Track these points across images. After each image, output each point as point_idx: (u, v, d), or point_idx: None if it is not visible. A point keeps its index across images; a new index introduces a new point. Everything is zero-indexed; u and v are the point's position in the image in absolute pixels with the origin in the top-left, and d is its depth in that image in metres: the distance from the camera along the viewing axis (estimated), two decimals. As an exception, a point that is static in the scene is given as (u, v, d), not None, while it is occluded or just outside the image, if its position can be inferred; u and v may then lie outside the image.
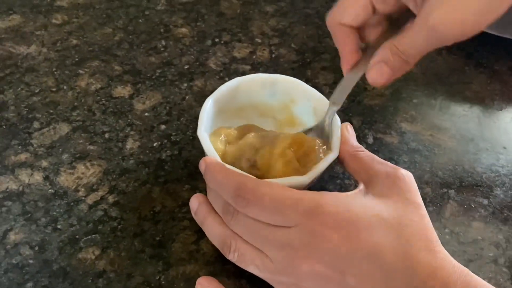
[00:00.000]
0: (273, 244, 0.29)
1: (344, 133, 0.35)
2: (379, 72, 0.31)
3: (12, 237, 0.34)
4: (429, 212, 0.37)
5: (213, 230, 0.32)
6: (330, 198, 0.29)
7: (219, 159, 0.33)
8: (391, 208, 0.29)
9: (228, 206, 0.31)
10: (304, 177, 0.33)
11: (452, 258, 0.28)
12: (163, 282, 0.33)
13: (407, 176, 0.31)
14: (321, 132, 0.35)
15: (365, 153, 0.33)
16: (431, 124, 0.43)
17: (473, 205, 0.38)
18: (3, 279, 0.32)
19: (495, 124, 0.44)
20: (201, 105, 0.43)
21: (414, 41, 0.29)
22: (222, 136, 0.35)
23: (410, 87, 0.46)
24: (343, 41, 0.34)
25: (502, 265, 0.35)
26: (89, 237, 0.34)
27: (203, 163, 0.32)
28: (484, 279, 0.34)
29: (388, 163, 0.32)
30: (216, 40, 0.49)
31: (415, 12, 0.30)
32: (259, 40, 0.49)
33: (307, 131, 0.36)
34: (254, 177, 0.31)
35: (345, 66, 0.34)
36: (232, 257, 0.31)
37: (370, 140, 0.42)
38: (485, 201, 0.39)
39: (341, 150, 0.34)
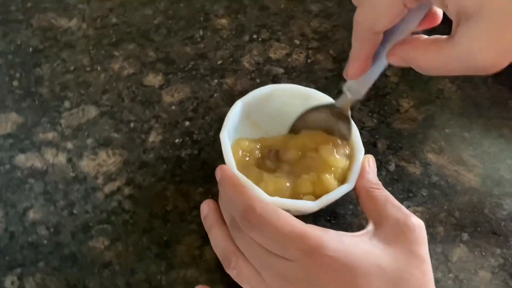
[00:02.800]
0: (270, 271, 0.30)
1: (364, 166, 0.34)
2: (397, 62, 0.29)
3: (31, 215, 0.36)
4: (437, 254, 0.37)
5: (218, 241, 0.33)
6: (334, 240, 0.29)
7: (235, 169, 0.33)
8: (394, 259, 0.29)
9: (236, 221, 0.31)
10: (312, 203, 0.33)
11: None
12: (163, 283, 0.34)
13: (418, 226, 0.30)
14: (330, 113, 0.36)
15: (381, 192, 0.33)
16: (458, 159, 0.42)
17: (483, 253, 0.37)
18: (18, 255, 0.34)
19: (527, 168, 0.42)
20: (228, 105, 0.43)
21: (439, 65, 0.27)
22: (241, 150, 0.36)
23: (445, 114, 0.45)
24: (365, 46, 0.30)
25: (500, 321, 0.35)
26: (101, 226, 0.36)
27: (219, 172, 0.33)
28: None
29: (402, 207, 0.32)
30: (254, 36, 0.48)
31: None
32: (297, 42, 0.48)
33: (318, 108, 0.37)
34: (264, 201, 0.31)
35: (356, 72, 0.31)
36: (230, 272, 0.32)
37: (392, 167, 0.41)
38: (498, 251, 0.38)
39: (357, 184, 0.34)
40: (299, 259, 0.29)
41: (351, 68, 0.31)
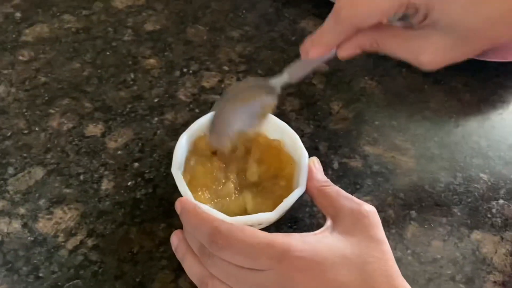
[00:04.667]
0: (247, 285, 0.31)
1: (311, 168, 0.37)
2: (351, 53, 0.36)
3: (-5, 288, 0.35)
4: (391, 234, 0.40)
5: (191, 269, 0.34)
6: (298, 241, 0.31)
7: (193, 199, 0.34)
8: (355, 246, 0.31)
9: (204, 248, 0.33)
10: (272, 213, 0.35)
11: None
12: (145, 323, 0.34)
13: (371, 212, 0.33)
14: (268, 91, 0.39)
15: (332, 188, 0.35)
16: (392, 146, 0.46)
17: (432, 225, 0.41)
18: (-10, 332, 0.33)
19: (452, 142, 0.47)
20: (172, 140, 0.44)
21: (395, 50, 0.35)
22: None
23: (372, 109, 0.49)
24: (339, 36, 0.35)
25: (459, 281, 0.38)
26: (72, 282, 0.36)
27: (178, 205, 0.34)
28: (442, 297, 0.37)
29: (354, 198, 0.34)
30: (185, 70, 0.50)
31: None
32: (226, 68, 0.51)
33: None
34: (227, 222, 0.33)
35: (317, 54, 0.36)
36: (209, 295, 0.33)
37: (335, 165, 0.44)
38: (444, 220, 0.41)
39: (308, 186, 0.36)
40: (271, 267, 0.30)
41: (315, 49, 0.35)
